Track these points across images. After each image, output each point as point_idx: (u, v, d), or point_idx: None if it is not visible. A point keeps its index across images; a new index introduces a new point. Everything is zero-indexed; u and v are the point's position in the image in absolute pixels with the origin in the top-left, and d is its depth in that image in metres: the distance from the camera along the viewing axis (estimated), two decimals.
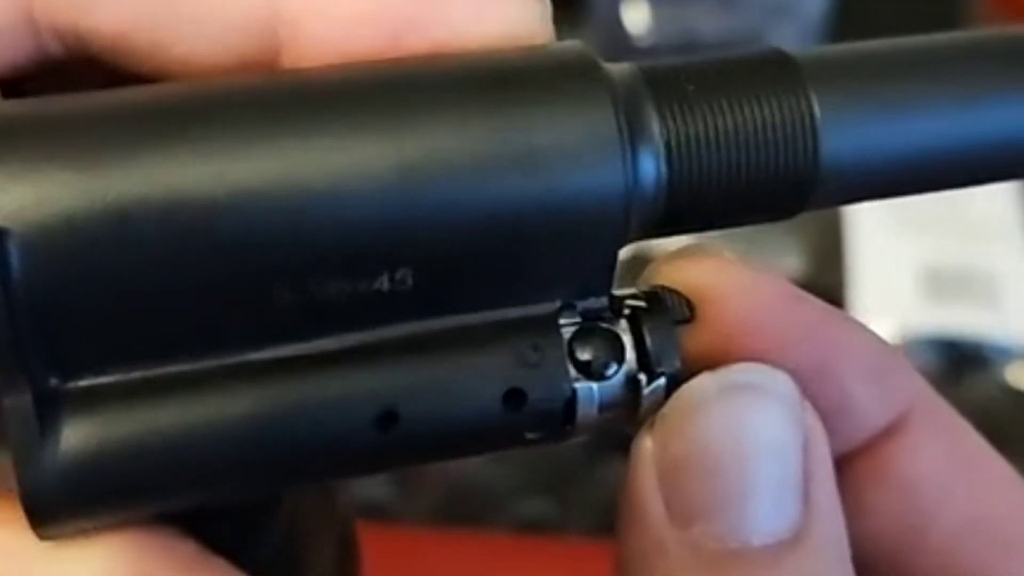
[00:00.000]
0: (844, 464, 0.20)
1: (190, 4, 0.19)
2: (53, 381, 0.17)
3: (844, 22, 0.77)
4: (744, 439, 0.18)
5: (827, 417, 0.19)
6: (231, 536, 0.20)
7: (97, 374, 0.18)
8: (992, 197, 0.71)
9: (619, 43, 0.76)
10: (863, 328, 0.21)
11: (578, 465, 0.61)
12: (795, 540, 0.18)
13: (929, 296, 0.67)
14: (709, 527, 0.18)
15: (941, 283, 0.67)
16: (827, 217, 0.70)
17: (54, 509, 0.18)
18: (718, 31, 0.75)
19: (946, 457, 0.21)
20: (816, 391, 0.19)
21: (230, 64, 0.19)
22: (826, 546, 0.18)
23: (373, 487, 0.58)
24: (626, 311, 0.20)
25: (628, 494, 0.19)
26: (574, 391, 0.19)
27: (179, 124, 0.18)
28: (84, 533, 0.18)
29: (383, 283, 0.18)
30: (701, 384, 0.19)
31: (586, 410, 0.19)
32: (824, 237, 0.70)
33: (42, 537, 0.18)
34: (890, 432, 0.20)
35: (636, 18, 0.77)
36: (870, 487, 0.21)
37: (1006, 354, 0.65)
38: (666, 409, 0.19)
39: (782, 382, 0.19)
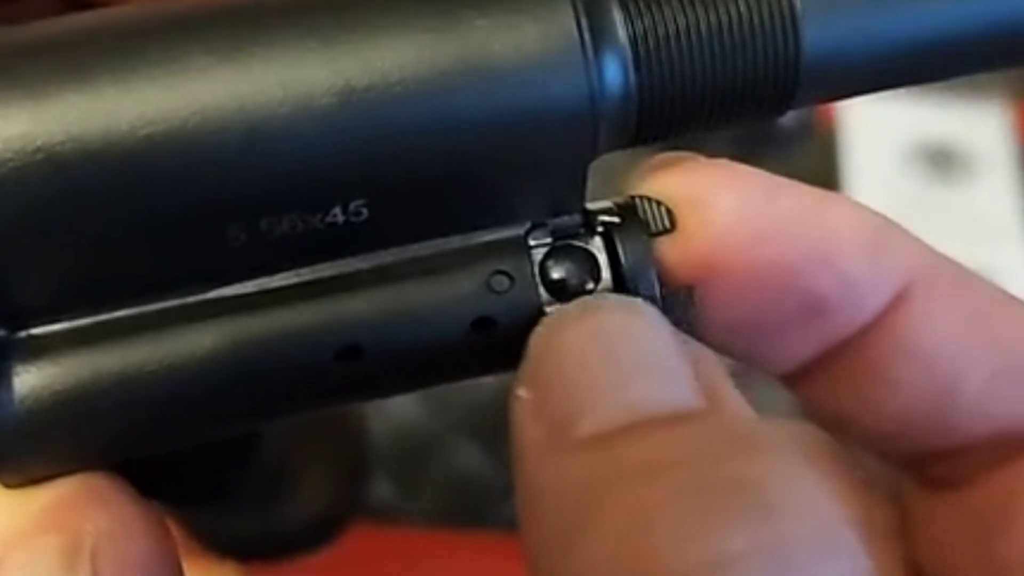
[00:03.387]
0: (860, 344, 0.20)
1: None
2: (2, 332, 0.17)
3: None
4: (602, 334, 0.17)
5: (829, 302, 0.19)
6: (209, 484, 0.20)
7: (48, 322, 0.17)
8: (993, 196, 0.71)
9: None
10: (854, 205, 0.20)
11: None
12: (695, 413, 0.17)
13: None
14: (594, 417, 0.16)
15: None
16: None
17: (10, 455, 0.17)
18: None
19: (960, 314, 0.21)
20: (813, 279, 0.19)
21: None
22: (729, 419, 0.17)
23: (374, 487, 0.58)
24: (599, 228, 0.19)
25: (515, 446, 0.17)
26: (545, 316, 0.18)
27: (114, 59, 0.17)
28: (41, 479, 0.18)
29: (337, 216, 0.17)
30: (556, 312, 0.18)
31: None
32: None
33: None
34: (897, 303, 0.20)
35: None
36: (893, 362, 0.20)
37: None
38: (527, 352, 0.18)
39: (640, 302, 0.18)
